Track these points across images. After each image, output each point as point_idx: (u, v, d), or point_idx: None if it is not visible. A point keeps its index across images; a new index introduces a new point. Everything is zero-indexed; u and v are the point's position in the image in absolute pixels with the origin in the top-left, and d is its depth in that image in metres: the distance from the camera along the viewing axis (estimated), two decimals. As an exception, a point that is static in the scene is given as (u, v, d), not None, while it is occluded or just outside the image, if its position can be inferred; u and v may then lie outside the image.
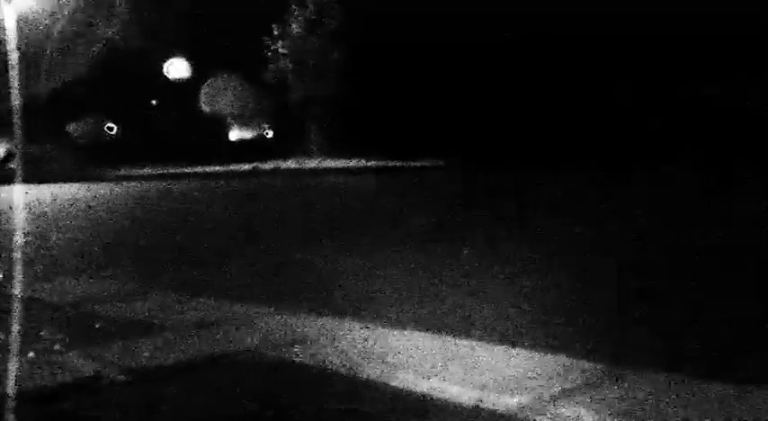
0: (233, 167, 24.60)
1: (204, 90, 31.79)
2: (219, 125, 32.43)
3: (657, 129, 20.41)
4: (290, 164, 25.92)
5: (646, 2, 21.18)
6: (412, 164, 21.68)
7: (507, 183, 13.52)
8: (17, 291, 3.80)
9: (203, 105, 31.88)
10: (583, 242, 5.38)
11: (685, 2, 20.19)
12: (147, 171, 24.29)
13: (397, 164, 22.00)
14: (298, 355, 2.45)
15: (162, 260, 5.18)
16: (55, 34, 28.07)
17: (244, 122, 32.43)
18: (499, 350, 2.45)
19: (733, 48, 19.95)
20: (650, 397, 1.96)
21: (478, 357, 2.37)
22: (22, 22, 25.12)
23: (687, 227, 6.31)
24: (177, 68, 32.37)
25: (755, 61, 19.31)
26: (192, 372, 2.34)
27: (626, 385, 2.06)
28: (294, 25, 29.25)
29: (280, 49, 29.42)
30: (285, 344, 2.60)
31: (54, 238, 6.65)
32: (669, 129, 20.36)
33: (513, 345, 2.51)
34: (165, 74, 32.20)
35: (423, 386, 2.11)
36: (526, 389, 2.06)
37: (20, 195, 15.17)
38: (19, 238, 6.72)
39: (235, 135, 32.88)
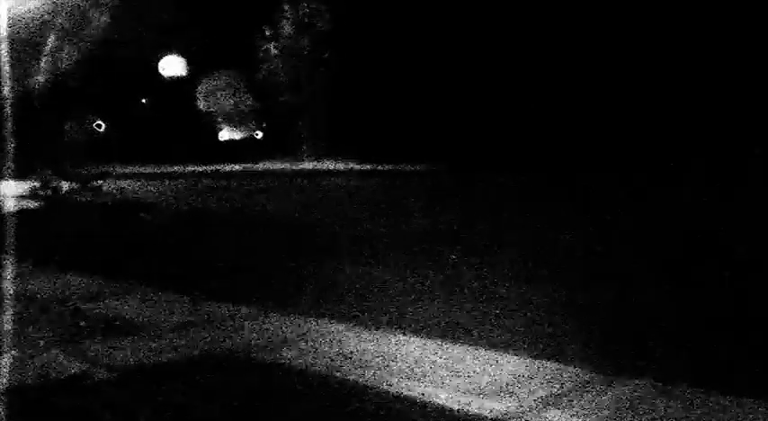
0: (224, 167, 24.57)
1: (197, 90, 31.74)
2: (211, 125, 32.39)
3: (658, 129, 20.37)
4: (281, 165, 25.89)
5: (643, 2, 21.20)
6: (404, 167, 21.68)
7: (500, 186, 13.54)
8: (5, 287, 3.78)
9: (195, 104, 31.83)
10: (574, 249, 5.39)
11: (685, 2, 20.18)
12: (137, 169, 24.21)
13: (389, 167, 21.99)
14: (289, 357, 2.45)
15: (153, 260, 5.16)
16: (48, 31, 27.99)
17: (234, 122, 32.38)
18: (488, 356, 2.46)
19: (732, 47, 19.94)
20: (636, 403, 1.97)
21: (468, 363, 2.37)
22: (16, 18, 25.03)
23: (682, 231, 6.32)
24: (171, 67, 32.28)
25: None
26: (183, 372, 2.33)
27: (612, 391, 2.07)
28: (286, 26, 29.25)
29: (272, 50, 29.41)
30: (278, 345, 2.60)
31: (44, 236, 6.61)
32: (669, 129, 20.33)
33: (502, 351, 2.52)
34: (161, 72, 32.12)
35: (413, 390, 2.10)
36: (514, 394, 2.06)
37: (9, 191, 15.08)
38: (7, 235, 6.68)
39: (225, 135, 32.83)
